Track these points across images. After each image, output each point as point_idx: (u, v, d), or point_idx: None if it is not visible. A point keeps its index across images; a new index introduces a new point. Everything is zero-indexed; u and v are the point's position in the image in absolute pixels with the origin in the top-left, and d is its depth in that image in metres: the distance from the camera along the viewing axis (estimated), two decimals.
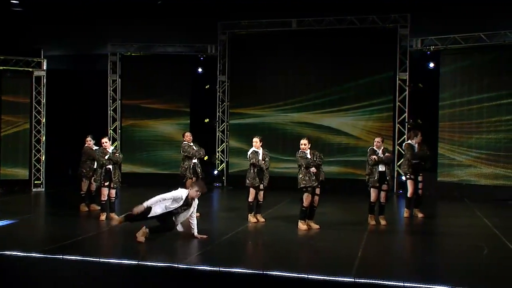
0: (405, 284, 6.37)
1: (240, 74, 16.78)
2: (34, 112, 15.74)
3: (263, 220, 10.58)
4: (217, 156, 16.92)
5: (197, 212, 10.45)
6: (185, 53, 16.95)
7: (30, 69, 15.64)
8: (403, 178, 12.17)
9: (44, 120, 15.80)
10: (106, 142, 10.80)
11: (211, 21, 16.39)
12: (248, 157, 10.48)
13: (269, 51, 16.42)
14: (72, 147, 14.69)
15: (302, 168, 9.71)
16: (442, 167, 15.00)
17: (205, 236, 8.97)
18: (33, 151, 15.75)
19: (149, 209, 8.66)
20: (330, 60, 15.91)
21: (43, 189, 15.62)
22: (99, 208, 11.21)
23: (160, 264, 7.32)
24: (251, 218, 10.50)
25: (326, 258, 8.03)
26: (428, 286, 6.36)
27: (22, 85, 15.74)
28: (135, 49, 17.10)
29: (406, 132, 15.07)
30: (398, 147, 15.25)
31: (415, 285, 6.39)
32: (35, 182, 15.68)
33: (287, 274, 6.77)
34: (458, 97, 14.77)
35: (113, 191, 10.80)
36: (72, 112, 17.51)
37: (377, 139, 10.48)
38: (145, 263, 7.34)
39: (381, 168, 10.28)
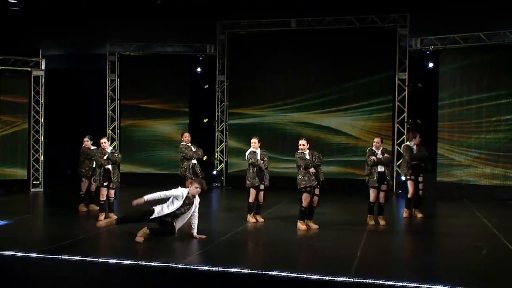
0: (404, 284, 6.36)
1: (239, 74, 16.76)
2: (32, 112, 15.71)
3: (262, 220, 10.56)
4: (216, 156, 16.90)
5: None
6: (184, 53, 16.92)
7: (29, 69, 15.60)
8: (403, 178, 12.16)
9: (42, 120, 15.76)
10: (105, 143, 10.77)
11: (210, 21, 16.38)
12: (246, 157, 10.47)
13: (269, 51, 16.40)
14: (70, 147, 14.70)
15: (301, 169, 9.70)
16: (441, 167, 14.99)
17: (204, 236, 8.95)
18: (32, 151, 15.72)
19: (151, 211, 8.64)
20: (330, 60, 15.89)
21: (42, 189, 15.59)
22: (98, 208, 11.19)
23: (159, 264, 7.29)
24: (250, 218, 10.48)
25: (325, 258, 8.02)
26: (427, 286, 6.35)
27: (21, 85, 15.70)
28: (134, 49, 17.07)
29: (405, 132, 15.06)
30: (397, 147, 15.23)
31: (414, 285, 6.38)
32: (34, 182, 15.65)
33: (286, 274, 6.76)
34: (458, 97, 14.76)
35: (112, 191, 10.78)
36: (70, 112, 17.50)
37: (376, 140, 10.46)
38: (144, 263, 7.32)
39: (380, 168, 10.27)
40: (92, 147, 11.84)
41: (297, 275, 6.72)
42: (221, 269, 6.98)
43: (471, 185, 14.42)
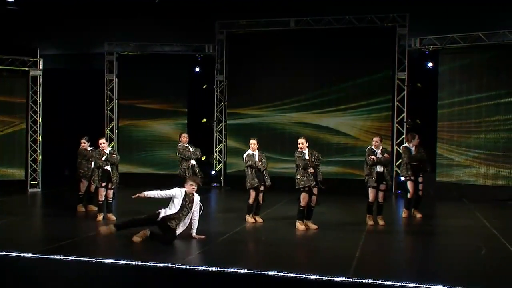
0: (403, 284, 6.34)
1: (238, 74, 16.73)
2: (30, 112, 15.67)
3: (261, 220, 10.53)
4: (214, 156, 16.85)
5: None
6: (183, 53, 16.88)
7: (26, 69, 15.57)
8: (402, 178, 12.14)
9: (40, 120, 15.72)
10: (103, 143, 10.74)
11: (208, 21, 16.36)
12: (244, 160, 10.44)
13: (267, 51, 16.35)
14: (68, 147, 14.67)
15: (300, 169, 9.67)
16: (440, 167, 14.96)
17: (203, 237, 8.92)
18: (29, 151, 15.69)
19: (157, 213, 8.63)
20: (329, 59, 15.85)
21: (40, 190, 15.55)
22: (96, 208, 11.16)
23: (157, 264, 7.26)
24: (249, 219, 10.46)
25: (324, 258, 8.00)
26: (426, 286, 6.32)
27: (18, 85, 15.68)
28: (132, 49, 17.03)
29: (404, 132, 15.04)
30: (396, 147, 15.20)
31: (413, 285, 6.36)
32: (32, 182, 15.62)
33: (285, 274, 6.73)
34: (457, 97, 14.74)
35: (110, 192, 10.78)
36: (68, 112, 17.43)
37: (375, 139, 10.45)
38: (143, 263, 7.28)
39: (379, 168, 10.27)
40: (90, 148, 11.78)
41: (295, 275, 6.69)
42: (219, 269, 6.95)
43: (471, 185, 14.39)
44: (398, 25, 15.23)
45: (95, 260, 7.42)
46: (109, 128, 17.00)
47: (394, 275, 6.84)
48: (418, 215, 11.23)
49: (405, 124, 15.28)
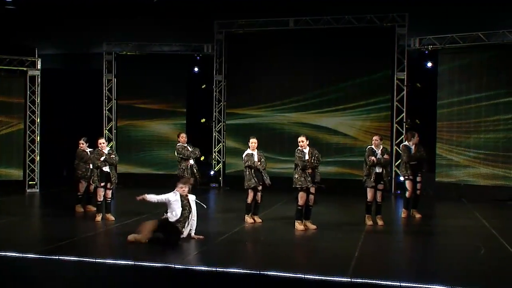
0: (402, 284, 6.33)
1: (237, 74, 16.71)
2: (28, 112, 15.63)
3: (260, 220, 10.51)
4: (213, 157, 16.82)
5: None
6: (181, 52, 16.85)
7: (24, 69, 15.54)
8: (401, 179, 12.12)
9: (38, 120, 15.69)
10: (102, 143, 10.72)
11: (207, 20, 16.34)
12: (243, 160, 10.41)
13: (266, 51, 16.34)
14: (66, 147, 14.58)
15: (298, 169, 9.66)
16: (440, 167, 14.94)
17: (201, 237, 8.91)
18: (28, 151, 15.65)
19: (166, 218, 8.63)
20: (328, 59, 15.84)
21: (38, 190, 15.52)
22: (95, 209, 11.16)
23: (156, 265, 7.26)
24: (248, 219, 10.43)
25: (323, 258, 7.98)
26: (425, 286, 6.32)
27: (16, 85, 15.65)
28: (130, 48, 17.00)
29: (404, 132, 15.01)
30: (396, 147, 15.17)
31: (412, 285, 6.35)
32: (30, 182, 15.59)
33: (284, 274, 6.73)
34: (456, 96, 14.72)
35: (109, 192, 10.76)
36: (67, 112, 17.37)
37: (375, 137, 10.44)
38: (142, 263, 7.27)
39: (378, 169, 10.26)
40: (88, 149, 11.75)
41: (294, 275, 6.68)
42: (218, 269, 6.94)
43: (470, 186, 14.37)
44: (398, 25, 15.22)
45: (94, 260, 7.41)
46: (107, 128, 16.96)
47: (393, 275, 6.82)
48: (418, 215, 11.21)
49: (404, 124, 15.25)
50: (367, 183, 10.26)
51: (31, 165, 15.63)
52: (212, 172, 16.79)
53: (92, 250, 8.47)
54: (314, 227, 9.83)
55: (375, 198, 10.30)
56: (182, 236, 8.67)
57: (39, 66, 15.64)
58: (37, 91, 15.65)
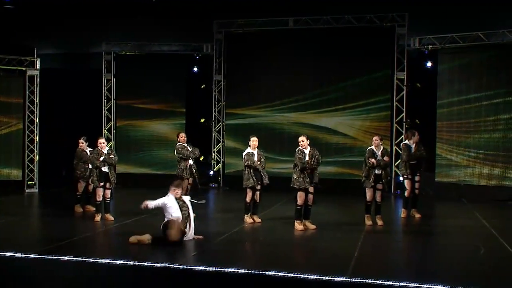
0: (401, 284, 6.32)
1: (236, 74, 16.68)
2: (27, 112, 15.60)
3: (259, 220, 10.49)
4: (213, 157, 16.79)
5: (193, 212, 10.39)
6: (181, 52, 16.83)
7: (23, 68, 15.51)
8: (401, 179, 12.10)
9: (37, 120, 15.67)
10: (102, 143, 10.70)
11: (207, 20, 16.31)
12: (243, 158, 10.38)
13: (266, 50, 16.32)
14: (65, 147, 14.57)
15: (297, 169, 9.65)
16: (440, 167, 14.92)
17: (201, 237, 8.89)
18: (26, 151, 15.61)
19: (183, 232, 8.58)
20: (327, 59, 15.82)
21: (37, 190, 15.49)
22: (94, 209, 11.13)
23: (156, 265, 7.27)
24: (247, 219, 10.41)
25: (322, 258, 7.96)
26: (425, 286, 6.31)
27: (15, 85, 15.62)
28: (130, 48, 16.97)
29: (404, 132, 15.00)
30: (395, 147, 15.16)
31: (411, 285, 6.33)
32: (29, 182, 15.56)
33: (283, 274, 6.71)
34: (456, 96, 14.70)
35: (108, 192, 10.74)
36: (66, 112, 17.34)
37: (375, 138, 10.42)
38: (141, 263, 7.26)
39: (378, 171, 10.25)
40: (88, 149, 11.73)
41: (294, 275, 6.66)
42: (218, 269, 6.92)
43: (470, 186, 14.35)
44: (397, 24, 15.21)
45: (93, 260, 7.39)
46: (106, 128, 16.93)
47: (392, 275, 6.80)
48: (417, 215, 11.19)
49: (404, 124, 15.23)
50: (366, 184, 10.24)
51: (30, 165, 15.60)
52: (211, 172, 16.76)
53: (91, 250, 8.45)
54: (313, 227, 9.81)
55: (375, 198, 10.28)
56: (185, 238, 8.62)
57: (38, 66, 15.62)
58: (36, 91, 15.63)
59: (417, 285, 6.33)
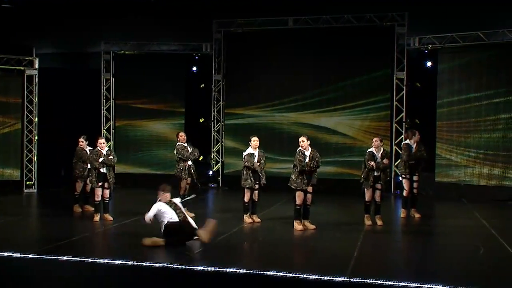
0: (400, 284, 6.32)
1: (236, 73, 16.64)
2: (26, 112, 15.55)
3: (258, 220, 10.48)
4: (212, 157, 16.75)
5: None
6: (180, 52, 16.79)
7: (22, 68, 15.44)
8: (400, 178, 12.07)
9: (36, 120, 15.61)
10: (102, 143, 10.68)
11: (206, 20, 16.26)
12: (243, 158, 10.35)
13: (265, 50, 16.28)
14: (64, 147, 14.55)
15: (296, 169, 9.63)
16: (440, 167, 14.89)
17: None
18: (25, 151, 15.57)
19: (193, 228, 8.55)
20: (327, 59, 15.78)
21: (35, 190, 15.45)
22: (93, 209, 11.12)
23: (155, 265, 7.28)
24: (247, 219, 10.38)
25: (322, 258, 7.95)
26: (424, 286, 6.31)
27: (14, 84, 15.56)
28: (129, 48, 16.93)
29: (403, 132, 14.97)
30: (395, 147, 15.13)
31: (411, 285, 6.33)
32: (27, 183, 15.51)
33: (283, 274, 6.70)
34: (456, 96, 14.67)
35: (107, 192, 10.73)
36: (64, 111, 17.29)
37: (375, 139, 10.37)
38: (140, 263, 7.26)
39: (377, 173, 10.23)
40: (88, 148, 11.70)
41: (293, 275, 6.66)
42: (217, 269, 6.92)
43: (470, 186, 14.32)
44: (397, 24, 15.16)
45: (92, 260, 7.39)
46: (105, 128, 16.89)
47: (392, 275, 6.79)
48: (417, 215, 11.16)
49: (404, 124, 15.20)
50: (365, 185, 10.24)
51: (29, 165, 15.56)
52: (210, 172, 16.73)
53: (90, 250, 8.47)
54: (313, 227, 9.79)
55: (374, 198, 10.26)
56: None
57: (36, 66, 15.56)
58: (35, 91, 15.57)
59: (416, 285, 6.32)
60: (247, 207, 10.43)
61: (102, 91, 16.87)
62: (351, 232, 9.57)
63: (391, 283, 6.33)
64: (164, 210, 8.58)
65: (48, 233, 9.81)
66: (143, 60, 16.89)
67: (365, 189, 10.24)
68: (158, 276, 7.12)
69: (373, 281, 6.39)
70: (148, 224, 8.61)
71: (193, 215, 10.17)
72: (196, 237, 8.55)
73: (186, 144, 11.54)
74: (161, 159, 16.73)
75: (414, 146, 11.10)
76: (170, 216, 8.56)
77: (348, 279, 6.51)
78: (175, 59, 16.76)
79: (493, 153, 14.04)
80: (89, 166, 11.14)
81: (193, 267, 7.10)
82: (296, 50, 16.05)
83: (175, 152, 11.57)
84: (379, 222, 10.24)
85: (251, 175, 10.26)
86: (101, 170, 10.58)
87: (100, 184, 10.60)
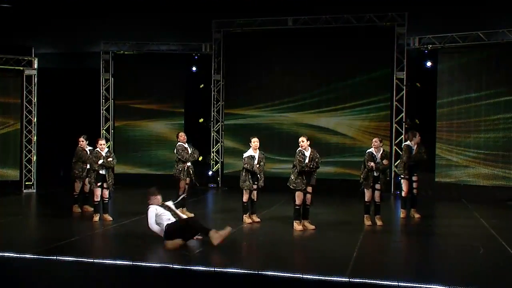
0: (400, 284, 6.31)
1: (235, 73, 16.62)
2: (25, 112, 15.52)
3: (258, 220, 10.47)
4: (211, 157, 16.72)
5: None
6: (179, 52, 16.76)
7: (21, 68, 15.40)
8: (400, 178, 12.06)
9: (35, 120, 15.58)
10: (103, 144, 10.66)
11: (205, 19, 16.23)
12: (243, 159, 10.33)
13: (265, 50, 16.26)
14: (63, 147, 14.53)
15: (296, 170, 9.61)
16: (439, 167, 14.87)
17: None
18: (24, 151, 15.53)
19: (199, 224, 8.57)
20: (327, 59, 15.76)
21: (34, 190, 15.41)
22: (92, 209, 11.10)
23: (154, 265, 7.29)
24: (246, 219, 10.37)
25: (321, 258, 7.94)
26: (424, 286, 6.30)
27: (13, 85, 15.52)
28: (128, 48, 16.90)
29: (403, 132, 14.96)
30: (395, 147, 15.11)
31: (410, 285, 6.32)
32: (26, 183, 15.47)
33: (282, 274, 6.69)
34: (456, 95, 14.65)
35: (106, 192, 10.71)
36: (63, 111, 17.26)
37: (375, 139, 10.35)
38: (140, 263, 7.25)
39: (376, 173, 10.22)
40: (88, 148, 11.68)
41: (293, 275, 6.64)
42: (217, 269, 6.91)
43: (470, 186, 14.30)
44: (397, 24, 15.14)
45: (92, 260, 7.38)
46: (104, 128, 16.86)
47: (391, 275, 6.78)
48: (417, 216, 11.14)
49: (404, 124, 15.18)
50: (364, 186, 10.23)
51: (28, 165, 15.53)
52: (210, 172, 16.70)
53: (90, 250, 8.47)
54: (312, 227, 9.77)
55: (374, 198, 10.24)
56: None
57: (35, 66, 15.52)
58: (34, 91, 15.53)
59: (416, 285, 6.31)
60: (246, 207, 10.41)
61: (101, 91, 16.85)
62: (350, 232, 9.55)
63: (390, 283, 6.32)
64: (161, 212, 8.60)
65: (47, 234, 9.78)
66: (142, 60, 16.87)
67: (365, 190, 10.22)
68: (157, 276, 7.10)
69: (372, 281, 6.38)
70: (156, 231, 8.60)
71: (192, 215, 10.17)
72: (199, 236, 8.58)
73: (186, 145, 11.50)
74: (161, 159, 16.71)
75: (414, 147, 11.08)
76: (168, 217, 8.56)
77: (348, 279, 6.49)
78: (175, 59, 16.73)
79: (493, 153, 14.03)
80: (88, 166, 11.13)
81: (192, 267, 7.07)
82: (295, 50, 16.03)
83: (175, 152, 11.55)
84: (378, 223, 10.23)
85: (249, 177, 10.27)
86: (100, 171, 10.56)
87: (99, 184, 10.57)
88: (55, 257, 7.50)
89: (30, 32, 17.20)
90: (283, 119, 16.20)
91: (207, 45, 16.63)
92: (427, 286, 6.27)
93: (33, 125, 15.57)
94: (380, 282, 6.35)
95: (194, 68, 16.94)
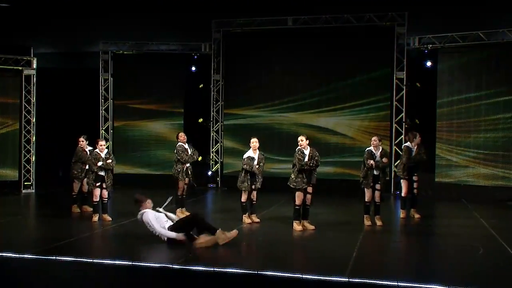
0: (400, 284, 6.30)
1: (235, 73, 16.60)
2: (24, 112, 15.50)
3: (257, 220, 10.45)
4: (211, 157, 16.70)
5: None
6: (179, 52, 16.74)
7: (20, 68, 15.39)
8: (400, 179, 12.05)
9: (34, 120, 15.56)
10: (102, 145, 10.65)
11: (205, 19, 16.22)
12: (243, 160, 10.32)
13: (264, 50, 16.26)
14: (62, 147, 14.52)
15: (296, 169, 9.60)
16: (439, 167, 14.86)
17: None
18: (23, 151, 15.51)
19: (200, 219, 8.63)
20: (327, 59, 15.76)
21: (33, 190, 15.39)
22: (91, 209, 11.08)
23: (154, 265, 7.28)
24: (246, 219, 10.35)
25: (321, 258, 7.93)
26: (423, 286, 6.29)
27: (12, 85, 15.50)
28: (127, 47, 16.88)
29: (403, 132, 14.94)
30: (395, 147, 15.09)
31: (410, 285, 6.31)
32: (25, 183, 15.45)
33: (282, 274, 6.68)
34: (456, 95, 14.64)
35: (105, 192, 10.70)
36: (62, 112, 17.25)
37: (374, 138, 10.34)
38: (139, 263, 7.25)
39: (376, 172, 10.21)
40: (88, 148, 11.66)
41: (292, 275, 6.63)
42: (216, 269, 6.89)
43: (470, 186, 14.29)
44: (397, 24, 15.13)
45: (91, 260, 7.37)
46: (104, 128, 16.84)
47: (391, 275, 6.77)
48: (417, 216, 11.13)
49: (403, 124, 15.16)
50: (364, 185, 10.21)
51: (27, 165, 15.51)
52: (209, 173, 16.68)
53: (89, 250, 8.46)
54: (312, 227, 9.75)
55: (374, 198, 10.22)
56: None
57: (34, 66, 15.50)
58: (33, 91, 15.51)
59: (416, 285, 6.30)
60: (245, 208, 10.41)
61: (100, 91, 16.82)
62: (350, 233, 9.54)
63: (390, 283, 6.31)
64: (157, 215, 8.65)
65: (46, 234, 9.77)
66: (141, 60, 16.85)
67: (365, 189, 10.20)
68: (157, 276, 7.09)
69: (372, 281, 6.37)
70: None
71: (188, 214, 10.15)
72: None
73: (186, 145, 11.47)
74: (160, 159, 16.69)
75: (414, 148, 11.06)
76: (166, 219, 8.62)
77: (347, 279, 6.48)
78: (174, 59, 16.71)
79: (493, 153, 14.02)
80: (87, 167, 11.11)
81: (191, 268, 7.05)
82: (295, 50, 16.02)
83: (175, 152, 11.52)
84: (378, 223, 10.21)
85: (248, 177, 10.26)
86: (99, 172, 10.54)
87: (98, 184, 10.55)
88: (54, 257, 7.49)
89: (29, 32, 17.17)
90: (283, 119, 16.18)
91: (207, 45, 16.61)
92: (427, 286, 6.26)
93: (32, 125, 15.55)
94: (380, 282, 6.34)
95: (193, 68, 16.92)
